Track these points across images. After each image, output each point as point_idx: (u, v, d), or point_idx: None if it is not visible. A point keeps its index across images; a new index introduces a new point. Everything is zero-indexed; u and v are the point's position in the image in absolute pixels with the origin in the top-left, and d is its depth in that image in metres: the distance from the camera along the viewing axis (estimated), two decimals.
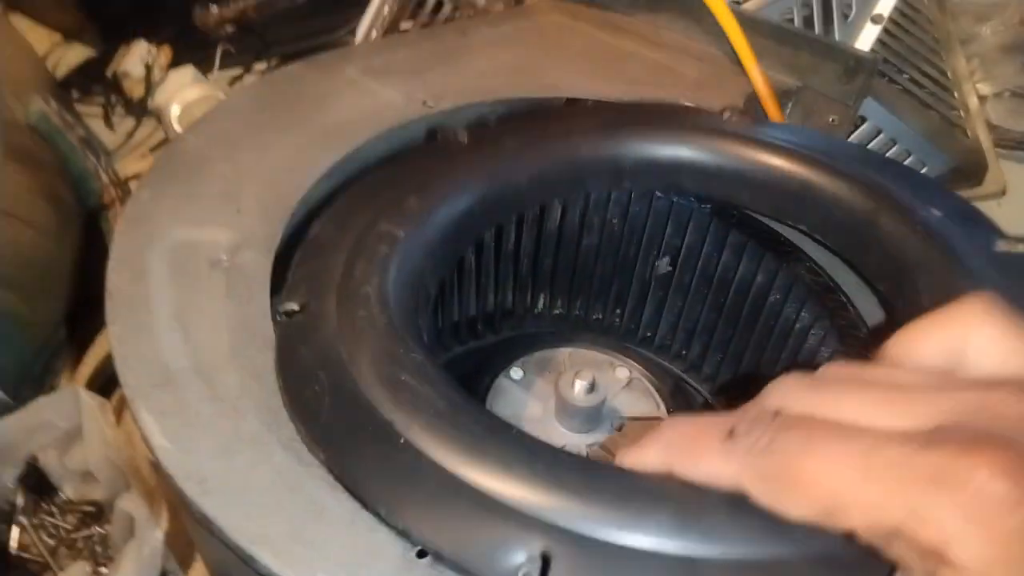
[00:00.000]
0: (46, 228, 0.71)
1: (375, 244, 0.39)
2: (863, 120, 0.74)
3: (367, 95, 0.51)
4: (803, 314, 0.51)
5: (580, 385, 0.47)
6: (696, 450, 0.26)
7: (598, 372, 0.49)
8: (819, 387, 0.25)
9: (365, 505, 0.29)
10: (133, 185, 0.85)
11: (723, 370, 0.58)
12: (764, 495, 0.24)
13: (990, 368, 0.25)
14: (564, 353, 0.56)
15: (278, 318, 0.37)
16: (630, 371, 0.54)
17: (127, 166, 0.91)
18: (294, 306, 0.37)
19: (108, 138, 0.95)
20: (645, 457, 0.27)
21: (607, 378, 0.53)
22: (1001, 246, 0.42)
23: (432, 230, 0.42)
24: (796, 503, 0.23)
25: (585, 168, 0.50)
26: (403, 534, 0.28)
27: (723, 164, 0.49)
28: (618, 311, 0.63)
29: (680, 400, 0.53)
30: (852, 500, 0.22)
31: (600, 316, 0.63)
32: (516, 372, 0.53)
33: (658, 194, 0.55)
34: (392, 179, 0.45)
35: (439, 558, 0.28)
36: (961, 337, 0.25)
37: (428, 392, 0.31)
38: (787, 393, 0.25)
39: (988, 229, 0.44)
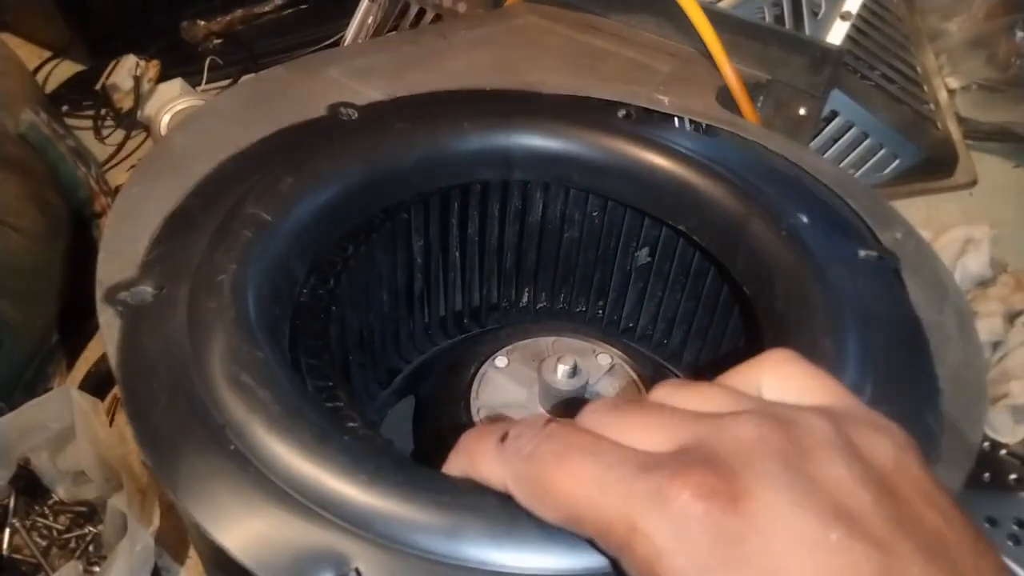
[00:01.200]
0: (37, 235, 0.72)
1: (239, 228, 0.37)
2: (835, 115, 0.76)
3: (350, 95, 0.53)
4: None
5: (562, 369, 0.49)
6: (476, 453, 0.27)
7: (581, 358, 0.51)
8: (612, 409, 0.26)
9: (190, 518, 0.27)
10: None
11: (703, 357, 0.60)
12: (523, 498, 0.25)
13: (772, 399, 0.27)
14: (548, 342, 0.57)
15: (126, 301, 0.34)
16: (612, 358, 0.55)
17: (117, 177, 0.92)
18: (148, 290, 0.35)
19: (98, 150, 0.96)
20: (450, 463, 0.29)
21: (590, 364, 0.54)
22: (862, 254, 0.44)
23: (303, 213, 0.40)
24: (546, 509, 0.25)
25: (473, 156, 0.50)
26: (218, 551, 0.27)
27: (609, 161, 0.50)
28: (600, 303, 0.64)
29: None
30: (587, 512, 0.23)
31: (583, 308, 0.65)
32: (501, 360, 0.54)
33: None
34: (271, 155, 0.44)
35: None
36: (756, 381, 0.27)
37: (265, 396, 0.30)
38: (586, 411, 0.27)
39: (854, 238, 0.46)
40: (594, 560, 0.26)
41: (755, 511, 0.21)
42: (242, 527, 0.27)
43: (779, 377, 0.27)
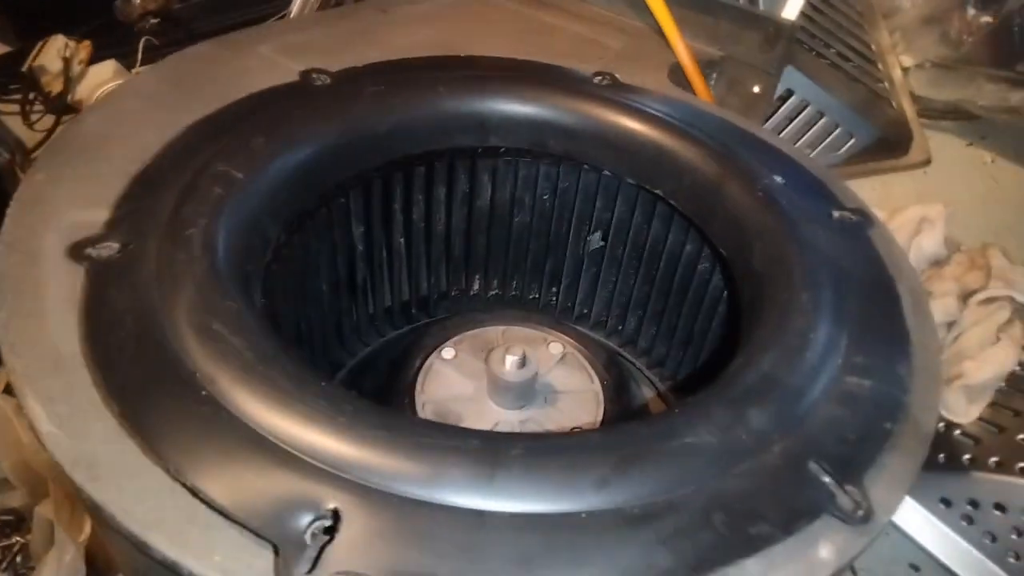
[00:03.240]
0: None
1: (209, 185, 0.37)
2: (791, 93, 0.74)
3: (281, 73, 0.50)
4: None
5: (511, 361, 0.46)
6: None
7: (531, 348, 0.48)
8: None
9: (158, 462, 0.27)
10: None
11: (658, 344, 0.58)
12: None
13: None
14: (498, 331, 0.55)
15: (92, 256, 0.34)
16: (564, 346, 0.53)
17: None
18: (114, 245, 0.35)
19: (27, 136, 0.91)
20: None
21: (540, 353, 0.52)
22: (836, 215, 0.45)
23: (276, 173, 0.40)
24: None
25: (449, 121, 0.49)
26: (194, 493, 0.27)
27: (584, 126, 0.49)
28: (554, 289, 0.62)
29: (614, 372, 0.53)
30: None
31: (536, 295, 0.63)
32: (448, 352, 0.52)
33: (586, 167, 0.54)
34: (242, 117, 0.44)
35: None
36: None
37: (238, 343, 0.30)
38: None
39: (827, 198, 0.46)
40: (575, 503, 0.27)
41: None
42: (219, 472, 0.27)
43: None
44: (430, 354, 0.52)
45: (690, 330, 0.54)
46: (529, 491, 0.27)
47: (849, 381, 0.32)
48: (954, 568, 0.52)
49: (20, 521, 0.60)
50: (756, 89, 0.58)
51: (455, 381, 0.50)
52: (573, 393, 0.50)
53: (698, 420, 0.29)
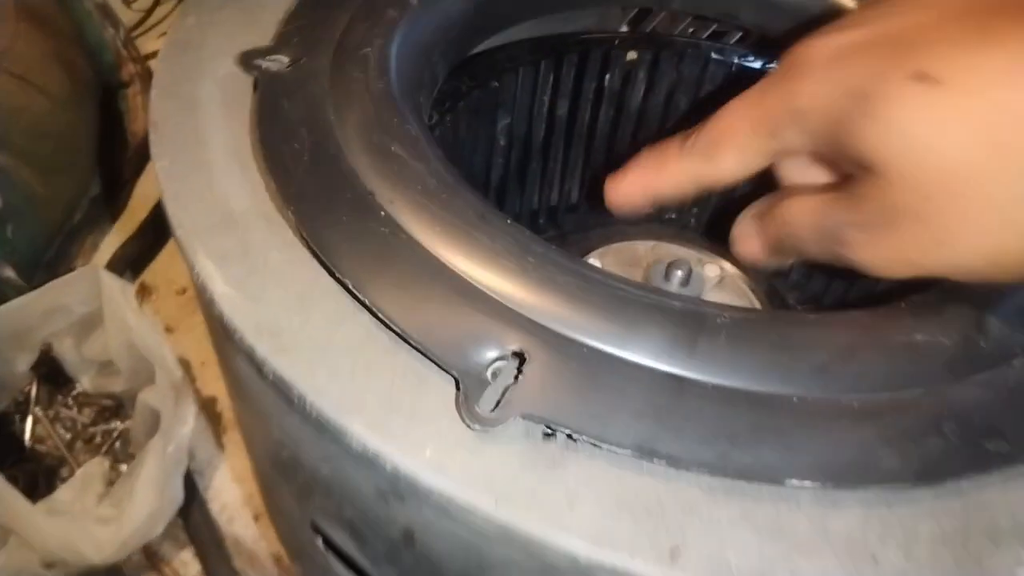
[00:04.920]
0: (62, 99, 0.64)
1: (384, 7, 0.35)
2: None
3: None
4: None
5: (677, 276, 0.42)
6: (662, 159, 0.28)
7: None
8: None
9: (332, 273, 0.26)
10: (153, 64, 0.78)
11: (814, 278, 0.53)
12: (698, 161, 0.27)
13: None
14: (646, 247, 0.50)
15: (262, 67, 0.32)
16: (720, 269, 0.48)
17: (146, 44, 0.84)
18: (284, 59, 0.33)
19: (126, 16, 0.87)
20: (623, 180, 0.28)
21: (697, 274, 0.47)
22: None
23: (448, 5, 0.38)
24: (724, 151, 0.27)
25: None
26: (369, 309, 0.25)
27: None
28: (695, 210, 0.57)
29: (778, 305, 0.47)
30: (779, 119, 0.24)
31: (675, 215, 0.57)
32: (594, 262, 0.47)
33: (761, 62, 0.48)
34: None
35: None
36: None
37: (419, 168, 0.28)
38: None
39: None
40: (787, 386, 0.24)
41: None
42: (400, 297, 0.25)
43: None
44: None
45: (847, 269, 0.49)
46: (736, 364, 0.24)
47: None
48: None
49: (119, 406, 0.58)
50: None
51: None
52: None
53: (931, 318, 0.25)
